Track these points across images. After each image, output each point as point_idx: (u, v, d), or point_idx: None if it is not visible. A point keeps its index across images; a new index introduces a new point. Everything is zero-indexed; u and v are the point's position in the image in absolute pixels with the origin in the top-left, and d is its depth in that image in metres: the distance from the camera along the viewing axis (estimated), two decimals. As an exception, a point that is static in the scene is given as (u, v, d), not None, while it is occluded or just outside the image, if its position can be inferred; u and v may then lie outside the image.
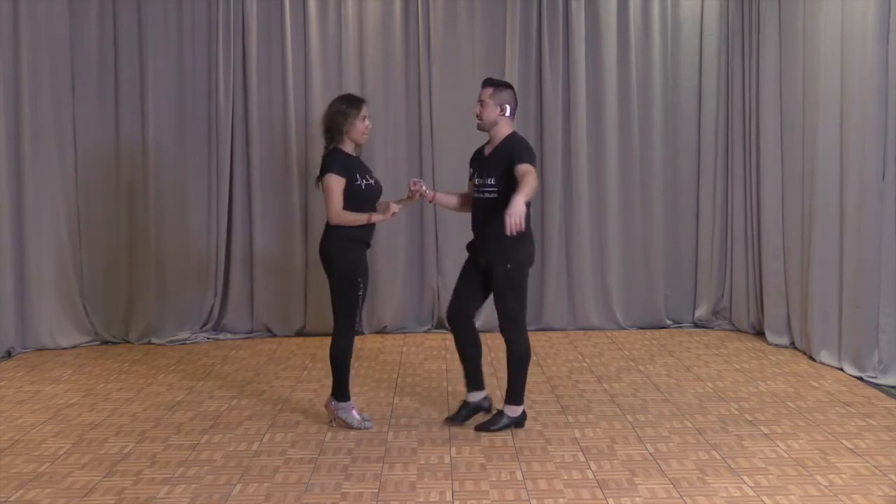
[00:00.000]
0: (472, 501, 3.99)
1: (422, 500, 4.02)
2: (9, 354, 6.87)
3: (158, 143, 7.32)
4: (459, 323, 5.08)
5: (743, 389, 5.79)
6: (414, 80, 7.60)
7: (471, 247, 5.10)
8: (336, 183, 4.87)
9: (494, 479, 4.25)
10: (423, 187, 5.10)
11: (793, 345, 6.94)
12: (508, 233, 4.40)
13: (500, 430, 4.95)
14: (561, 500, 3.99)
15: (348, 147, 4.99)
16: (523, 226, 4.43)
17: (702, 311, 7.83)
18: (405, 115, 7.61)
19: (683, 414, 5.25)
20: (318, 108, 7.39)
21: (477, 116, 4.98)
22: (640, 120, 7.71)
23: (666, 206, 7.83)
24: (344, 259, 4.93)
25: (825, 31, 6.33)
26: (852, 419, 5.10)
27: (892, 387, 5.72)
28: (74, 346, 7.17)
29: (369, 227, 4.99)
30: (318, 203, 7.31)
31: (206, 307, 7.50)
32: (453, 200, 5.32)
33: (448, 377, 6.19)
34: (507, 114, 4.93)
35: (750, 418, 5.15)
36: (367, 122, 5.01)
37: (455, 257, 7.49)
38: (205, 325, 7.51)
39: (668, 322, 7.86)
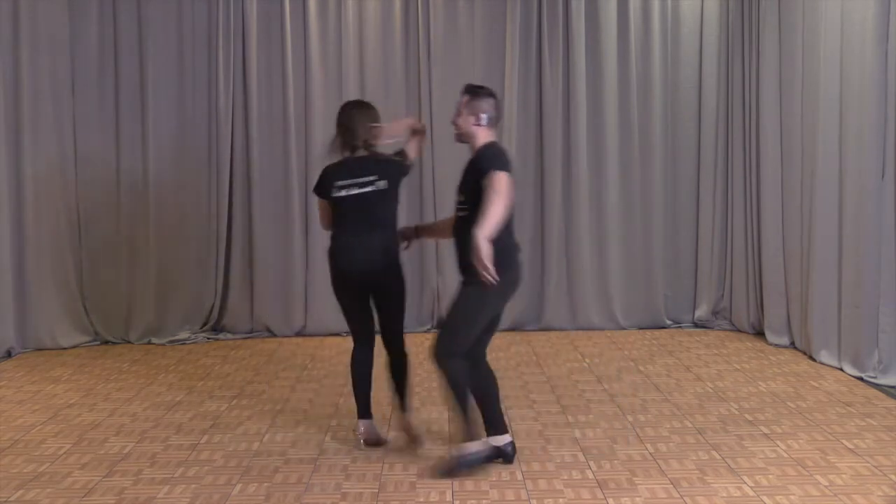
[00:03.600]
0: (472, 501, 3.99)
1: (422, 500, 4.02)
2: (9, 354, 6.87)
3: (158, 143, 7.32)
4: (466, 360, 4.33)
5: (743, 389, 5.79)
6: (414, 80, 7.61)
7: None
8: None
9: (494, 479, 4.24)
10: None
11: (793, 345, 6.94)
12: (484, 278, 3.95)
13: (461, 468, 4.25)
14: (561, 500, 3.99)
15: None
16: (490, 261, 3.92)
17: (702, 311, 7.83)
18: (405, 115, 7.59)
19: (683, 414, 5.25)
20: (319, 108, 7.44)
21: (452, 124, 4.40)
22: (640, 120, 7.72)
23: (666, 207, 7.83)
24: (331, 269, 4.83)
25: (825, 31, 6.33)
26: (852, 419, 5.10)
27: (892, 387, 5.72)
28: (74, 346, 7.18)
29: (345, 244, 4.68)
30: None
31: (206, 307, 7.51)
32: (439, 229, 4.96)
33: (448, 377, 6.18)
34: (483, 123, 4.30)
35: (750, 418, 5.15)
36: None
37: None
38: (205, 325, 7.52)
39: (668, 322, 7.86)
